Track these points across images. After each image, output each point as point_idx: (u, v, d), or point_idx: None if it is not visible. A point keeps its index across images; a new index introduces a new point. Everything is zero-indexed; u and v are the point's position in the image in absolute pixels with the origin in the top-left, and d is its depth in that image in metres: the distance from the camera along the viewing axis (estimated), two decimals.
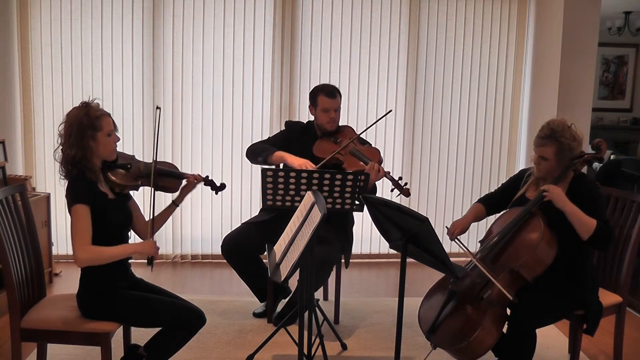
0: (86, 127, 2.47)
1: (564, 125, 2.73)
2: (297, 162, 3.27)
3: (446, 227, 2.99)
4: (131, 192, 2.77)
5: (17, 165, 4.56)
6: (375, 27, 4.87)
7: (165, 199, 4.50)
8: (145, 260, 2.66)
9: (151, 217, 2.69)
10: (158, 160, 2.75)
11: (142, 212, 2.83)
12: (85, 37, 4.63)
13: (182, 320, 2.59)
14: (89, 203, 2.46)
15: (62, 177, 2.56)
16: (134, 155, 2.81)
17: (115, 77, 4.68)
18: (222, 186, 3.00)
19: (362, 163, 3.27)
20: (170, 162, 4.67)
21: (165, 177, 2.81)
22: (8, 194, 2.61)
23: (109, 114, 2.58)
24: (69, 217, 2.51)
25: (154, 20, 4.66)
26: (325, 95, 3.47)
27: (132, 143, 4.69)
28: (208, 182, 2.96)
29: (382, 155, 3.44)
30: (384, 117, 3.74)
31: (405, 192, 3.19)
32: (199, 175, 2.92)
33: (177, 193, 2.92)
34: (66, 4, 4.58)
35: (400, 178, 3.21)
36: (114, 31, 4.64)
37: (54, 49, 4.62)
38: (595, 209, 2.65)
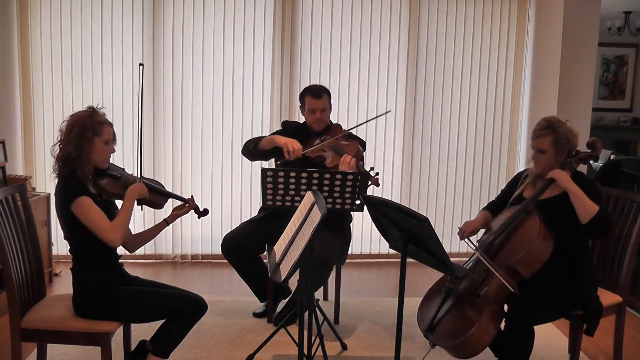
0: (87, 129, 2.52)
1: (559, 120, 2.82)
2: (282, 140, 3.32)
3: (458, 227, 3.02)
4: (117, 203, 2.78)
5: (17, 165, 4.56)
6: (375, 27, 4.87)
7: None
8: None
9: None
10: (150, 177, 2.88)
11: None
12: (85, 37, 4.63)
13: (183, 309, 2.60)
14: (88, 194, 2.49)
15: (54, 174, 2.59)
16: (124, 168, 2.84)
17: (115, 76, 4.68)
18: (205, 212, 2.99)
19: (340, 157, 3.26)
20: (170, 161, 4.74)
21: (151, 192, 2.81)
22: (8, 194, 2.61)
23: (111, 124, 2.63)
24: (59, 219, 2.54)
25: (154, 20, 4.66)
26: (311, 96, 3.48)
27: (131, 143, 4.69)
28: (194, 206, 2.97)
29: (360, 148, 3.39)
30: (383, 116, 3.74)
31: (374, 182, 3.12)
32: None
33: (163, 210, 3.01)
34: (66, 4, 4.58)
35: (372, 168, 3.14)
36: (114, 31, 4.64)
37: (54, 49, 4.62)
38: (596, 199, 2.68)
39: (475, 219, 3.07)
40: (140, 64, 2.85)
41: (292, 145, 3.27)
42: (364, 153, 3.58)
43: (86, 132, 2.51)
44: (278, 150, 3.36)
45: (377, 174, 3.13)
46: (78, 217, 2.47)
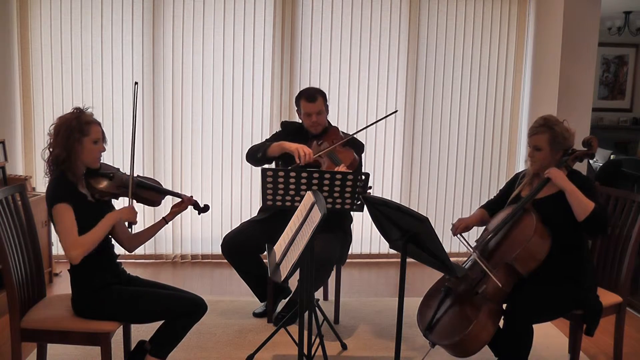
0: (74, 130, 2.51)
1: (557, 118, 2.85)
2: (293, 146, 3.32)
3: (452, 223, 3.03)
4: (113, 202, 2.78)
5: (17, 165, 4.56)
6: (375, 27, 4.87)
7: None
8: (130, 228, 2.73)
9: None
10: (144, 175, 2.84)
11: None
12: (85, 37, 4.63)
13: (182, 310, 2.60)
14: (69, 202, 2.47)
15: (46, 177, 2.60)
16: (118, 168, 2.84)
17: (115, 77, 4.68)
18: (205, 208, 2.99)
19: (335, 166, 3.28)
20: (170, 161, 4.74)
21: (146, 189, 2.82)
22: (8, 194, 2.61)
23: (99, 123, 2.62)
24: (53, 220, 2.52)
25: (154, 20, 4.66)
26: (306, 100, 3.48)
27: (130, 143, 4.68)
28: (192, 202, 2.98)
29: (356, 157, 3.38)
30: (387, 117, 3.76)
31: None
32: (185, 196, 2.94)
33: (160, 207, 2.99)
34: (66, 4, 4.58)
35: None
36: (114, 31, 4.64)
37: (54, 49, 4.62)
38: (592, 197, 2.69)
39: (470, 216, 3.10)
40: (136, 83, 2.87)
41: (303, 150, 3.28)
42: (362, 155, 3.58)
43: (73, 133, 2.51)
44: (287, 156, 3.37)
45: (370, 187, 3.16)
46: (53, 222, 2.47)
